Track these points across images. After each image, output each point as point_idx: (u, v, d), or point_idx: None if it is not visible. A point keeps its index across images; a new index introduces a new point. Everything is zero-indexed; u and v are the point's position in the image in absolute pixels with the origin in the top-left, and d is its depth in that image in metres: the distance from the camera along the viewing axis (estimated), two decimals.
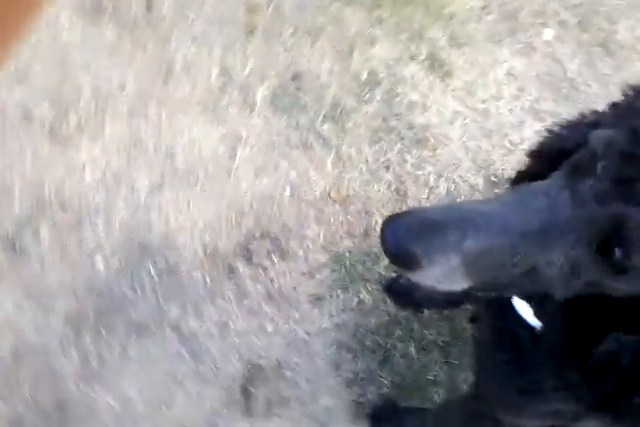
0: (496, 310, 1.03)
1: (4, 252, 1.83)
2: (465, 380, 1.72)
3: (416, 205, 1.91)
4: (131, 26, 2.00)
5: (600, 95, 2.12)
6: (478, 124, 2.01)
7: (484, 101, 2.05)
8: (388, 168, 1.93)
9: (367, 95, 2.00)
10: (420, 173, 1.94)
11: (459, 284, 0.73)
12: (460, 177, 1.95)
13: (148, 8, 2.02)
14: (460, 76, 2.07)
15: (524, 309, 0.93)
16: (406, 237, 0.70)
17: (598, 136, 0.73)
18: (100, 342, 1.78)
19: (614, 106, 0.85)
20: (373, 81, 2.02)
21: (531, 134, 2.00)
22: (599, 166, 0.69)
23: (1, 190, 1.87)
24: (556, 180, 0.73)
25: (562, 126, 0.91)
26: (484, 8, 2.17)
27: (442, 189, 1.94)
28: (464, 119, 2.01)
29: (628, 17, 2.21)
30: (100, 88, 1.93)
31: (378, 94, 2.00)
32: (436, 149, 1.97)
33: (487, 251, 0.70)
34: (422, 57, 2.06)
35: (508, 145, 2.00)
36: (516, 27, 2.17)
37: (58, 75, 1.94)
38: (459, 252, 0.70)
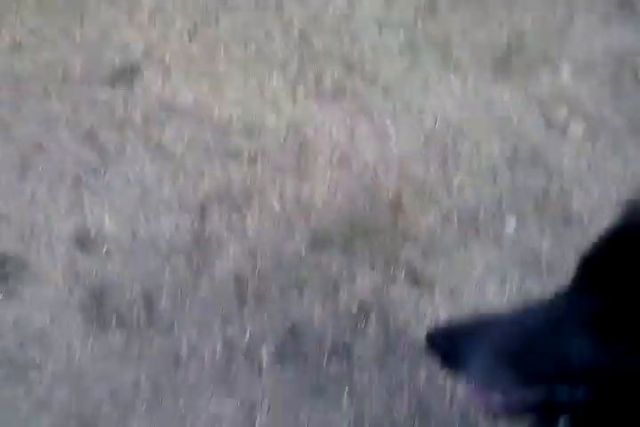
0: None
1: None
2: None
3: None
4: (135, 328, 2.08)
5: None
6: None
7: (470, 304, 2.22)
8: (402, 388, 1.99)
9: (362, 325, 2.13)
10: None
11: (502, 375, 0.84)
12: None
13: (148, 308, 2.12)
14: (444, 285, 2.25)
15: None
16: (442, 346, 0.85)
17: None
18: None
19: None
20: (364, 311, 2.17)
21: None
22: None
23: None
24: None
25: None
26: (444, 218, 2.42)
27: None
28: None
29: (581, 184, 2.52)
30: (118, 393, 1.95)
31: (372, 323, 2.14)
32: None
33: (509, 342, 0.83)
34: (402, 277, 2.25)
35: None
36: (479, 226, 2.41)
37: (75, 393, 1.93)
38: (489, 358, 0.82)
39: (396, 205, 2.54)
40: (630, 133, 2.72)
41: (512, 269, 2.37)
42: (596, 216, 2.57)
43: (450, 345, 0.85)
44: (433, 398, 1.97)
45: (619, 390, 0.83)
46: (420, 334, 2.04)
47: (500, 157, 2.72)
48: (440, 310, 2.20)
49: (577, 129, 2.76)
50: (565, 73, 2.93)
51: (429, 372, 2.02)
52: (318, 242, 2.35)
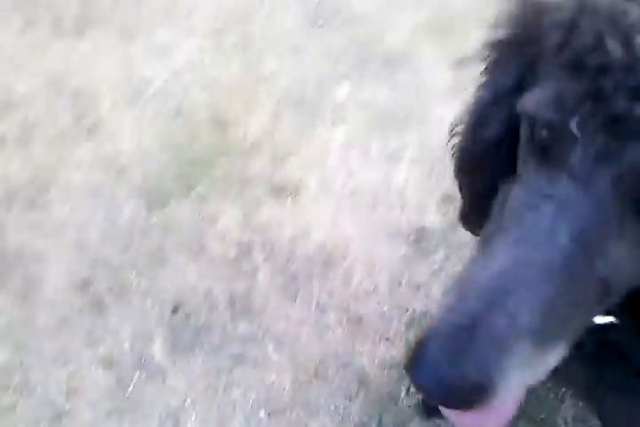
0: None
1: None
2: None
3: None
4: None
5: None
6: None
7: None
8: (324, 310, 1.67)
9: (249, 269, 1.75)
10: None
11: (552, 359, 0.55)
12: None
13: None
14: (310, 185, 1.93)
15: None
16: (448, 368, 0.49)
17: (536, 100, 0.54)
18: None
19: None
20: (244, 251, 1.79)
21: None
22: (577, 133, 0.51)
23: None
24: (531, 182, 0.55)
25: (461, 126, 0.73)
26: (274, 113, 2.13)
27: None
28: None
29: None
30: None
31: (258, 262, 1.77)
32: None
33: (547, 306, 0.51)
34: (262, 196, 1.91)
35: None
36: (313, 105, 2.14)
37: None
38: (520, 335, 0.50)
39: (218, 121, 2.13)
40: None
41: (368, 132, 2.08)
42: (414, 46, 2.33)
43: (457, 374, 0.49)
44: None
45: None
46: (317, 239, 1.83)
47: (297, 23, 2.38)
48: (319, 215, 1.86)
49: None
50: None
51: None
52: (155, 201, 1.91)
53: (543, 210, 0.52)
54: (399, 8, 2.51)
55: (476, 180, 0.74)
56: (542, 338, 0.52)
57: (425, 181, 1.98)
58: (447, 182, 1.96)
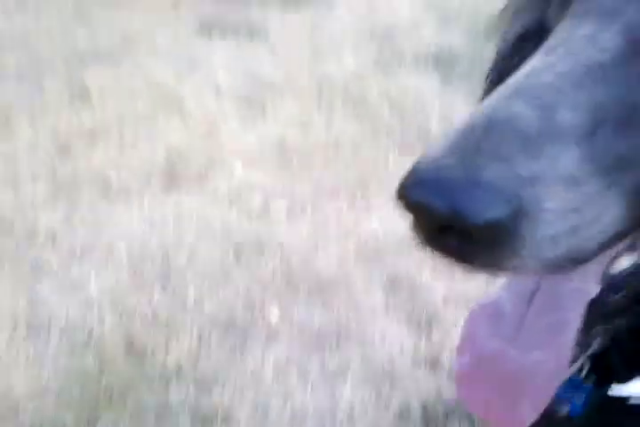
0: None
1: None
2: None
3: None
4: None
5: None
6: None
7: None
8: None
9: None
10: None
11: (605, 215, 0.38)
12: None
13: None
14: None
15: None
16: (456, 170, 0.33)
17: None
18: None
19: None
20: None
21: None
22: None
23: None
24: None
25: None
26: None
27: None
28: None
29: None
30: None
31: None
32: None
33: (595, 109, 0.38)
34: None
35: None
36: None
37: None
38: (561, 137, 0.35)
39: (134, 349, 1.89)
40: None
41: (305, 352, 1.90)
42: (344, 270, 2.24)
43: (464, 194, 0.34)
44: None
45: None
46: None
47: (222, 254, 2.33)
48: None
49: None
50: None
51: None
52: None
53: (588, 19, 0.44)
54: (324, 237, 2.51)
55: None
56: (589, 162, 0.37)
57: (374, 401, 1.72)
58: (399, 399, 1.71)
